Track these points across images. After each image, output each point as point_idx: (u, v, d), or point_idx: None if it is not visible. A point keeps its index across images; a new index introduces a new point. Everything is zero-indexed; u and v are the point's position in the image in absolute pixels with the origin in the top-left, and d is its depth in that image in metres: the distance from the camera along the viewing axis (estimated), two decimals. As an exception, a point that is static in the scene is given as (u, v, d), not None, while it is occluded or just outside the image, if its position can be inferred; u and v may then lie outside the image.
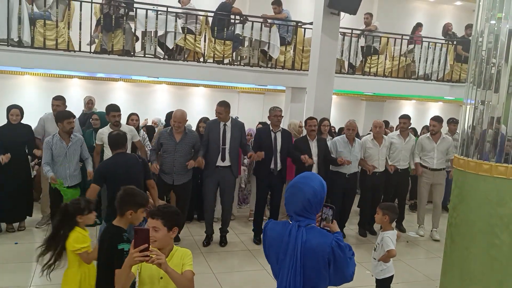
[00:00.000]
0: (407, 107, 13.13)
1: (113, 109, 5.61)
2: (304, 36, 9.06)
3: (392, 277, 4.04)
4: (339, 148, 6.20)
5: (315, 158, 5.97)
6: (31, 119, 6.23)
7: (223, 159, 5.55)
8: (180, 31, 8.18)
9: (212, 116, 6.56)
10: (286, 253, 2.27)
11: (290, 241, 2.26)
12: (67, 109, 6.14)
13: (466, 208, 4.05)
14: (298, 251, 2.23)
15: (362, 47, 9.63)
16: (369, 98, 11.93)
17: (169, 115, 6.76)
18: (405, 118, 6.78)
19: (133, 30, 8.03)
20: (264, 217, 6.20)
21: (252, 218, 6.43)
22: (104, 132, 5.48)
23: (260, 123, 7.62)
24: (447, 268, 4.29)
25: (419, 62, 9.99)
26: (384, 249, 3.95)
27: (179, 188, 5.44)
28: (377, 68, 9.71)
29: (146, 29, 8.05)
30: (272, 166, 5.83)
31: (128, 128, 5.74)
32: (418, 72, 10.05)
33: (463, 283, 4.08)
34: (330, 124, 6.85)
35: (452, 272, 4.22)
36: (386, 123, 8.51)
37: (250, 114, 10.13)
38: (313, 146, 6.03)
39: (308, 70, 7.87)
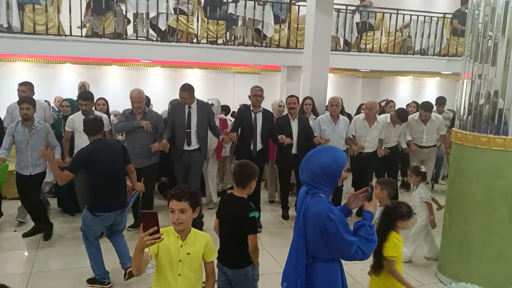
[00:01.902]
0: (404, 84, 13.11)
1: (82, 97, 5.36)
2: (298, 13, 8.98)
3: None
4: (322, 125, 6.04)
5: (295, 137, 5.87)
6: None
7: (188, 143, 5.40)
8: (172, 12, 8.08)
9: (208, 100, 6.52)
10: (298, 216, 2.49)
11: (301, 204, 2.49)
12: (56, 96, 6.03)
13: (465, 181, 4.08)
14: (301, 215, 2.43)
15: (357, 23, 9.56)
16: (365, 75, 11.89)
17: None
18: (425, 109, 6.53)
19: (124, 12, 7.92)
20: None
21: None
22: (74, 119, 5.30)
23: (241, 105, 7.45)
24: (446, 243, 4.34)
25: (415, 37, 9.93)
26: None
27: (143, 171, 5.16)
28: (372, 44, 9.64)
29: (137, 11, 7.93)
30: (251, 147, 5.81)
31: (100, 115, 5.43)
32: (414, 47, 9.99)
33: (462, 256, 4.14)
34: (313, 102, 6.66)
35: (451, 246, 4.26)
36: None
37: (246, 95, 10.07)
38: (294, 125, 5.92)
39: (303, 48, 7.81)
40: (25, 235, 5.17)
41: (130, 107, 5.31)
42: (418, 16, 9.88)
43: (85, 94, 5.42)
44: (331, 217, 2.33)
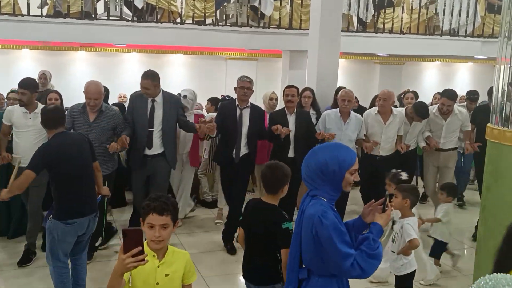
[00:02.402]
0: (430, 71, 13.14)
1: (18, 84, 5.18)
2: (302, -13, 9.01)
3: (414, 272, 4.09)
4: (328, 123, 5.91)
5: (292, 134, 5.72)
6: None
7: (149, 146, 5.27)
8: (151, -14, 8.12)
9: (196, 90, 6.47)
10: (298, 218, 2.61)
11: (300, 207, 2.60)
12: None
13: (503, 187, 4.09)
14: (298, 219, 2.57)
15: (373, -2, 9.59)
16: (384, 61, 11.92)
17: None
18: (448, 97, 6.18)
19: (93, -14, 7.96)
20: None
21: (220, 221, 6.36)
22: (13, 110, 5.16)
23: (224, 97, 7.31)
24: (481, 261, 4.35)
25: (443, 15, 9.96)
26: (405, 239, 4.00)
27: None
28: (392, 24, 9.67)
29: (109, -15, 7.98)
30: (233, 151, 5.61)
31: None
32: (442, 27, 10.01)
33: (500, 277, 4.14)
34: (313, 95, 6.62)
35: (487, 265, 4.27)
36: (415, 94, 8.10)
37: (241, 85, 10.10)
38: (291, 121, 5.79)
39: (308, 29, 7.81)
40: None
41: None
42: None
43: (22, 81, 5.17)
44: (324, 222, 2.40)
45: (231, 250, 5.61)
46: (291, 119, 5.80)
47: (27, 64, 9.72)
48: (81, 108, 5.07)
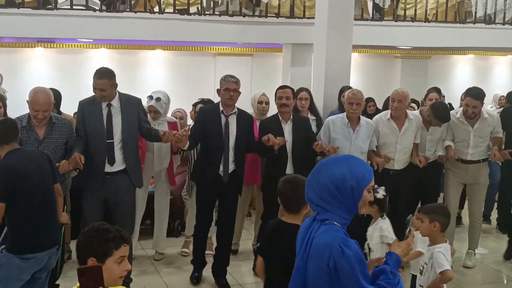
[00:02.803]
0: (462, 65, 13.19)
1: None
2: (306, -33, 9.06)
3: None
4: (334, 132, 5.87)
5: (290, 148, 5.70)
6: None
7: (111, 161, 5.23)
8: (123, -32, 8.17)
9: (177, 94, 6.49)
10: (300, 249, 2.64)
11: (306, 235, 2.61)
12: None
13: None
14: (303, 250, 2.59)
15: (392, -21, 9.65)
16: (406, 54, 11.97)
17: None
18: (473, 97, 6.06)
19: (52, -30, 8.00)
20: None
21: (186, 250, 6.37)
22: None
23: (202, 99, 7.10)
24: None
25: (477, -2, 10.03)
26: (436, 271, 4.01)
27: None
28: (415, 10, 9.71)
29: (72, -32, 8.02)
30: (220, 167, 5.57)
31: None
32: (475, 13, 10.08)
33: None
34: (311, 97, 6.64)
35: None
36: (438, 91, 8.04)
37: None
38: (287, 129, 5.76)
39: (314, 18, 7.85)
40: None
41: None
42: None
43: None
44: (346, 252, 2.40)
45: (198, 281, 5.70)
46: (287, 127, 5.78)
47: (-27, 63, 9.74)
48: (26, 123, 4.94)
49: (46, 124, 4.99)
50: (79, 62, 10.36)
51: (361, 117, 6.00)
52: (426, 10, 9.82)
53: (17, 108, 5.61)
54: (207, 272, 5.86)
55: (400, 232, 5.15)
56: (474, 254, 6.57)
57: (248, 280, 6.02)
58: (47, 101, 4.90)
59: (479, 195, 6.47)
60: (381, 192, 4.71)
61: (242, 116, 5.73)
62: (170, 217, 6.93)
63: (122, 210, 5.32)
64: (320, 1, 7.49)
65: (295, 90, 6.20)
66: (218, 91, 5.68)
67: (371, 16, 9.65)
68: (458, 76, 13.07)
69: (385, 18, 9.65)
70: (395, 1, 9.69)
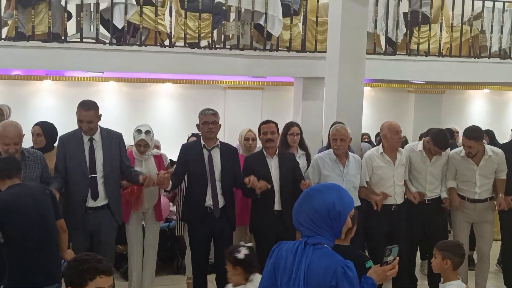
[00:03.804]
0: (477, 100, 13.15)
1: None
2: (318, 2, 9.08)
3: None
4: (324, 170, 5.87)
5: (277, 184, 5.68)
6: None
7: (94, 196, 5.26)
8: (134, 1, 8.23)
9: (187, 128, 6.48)
10: (290, 276, 2.75)
11: (295, 261, 2.75)
12: None
13: None
14: (302, 274, 2.70)
15: (405, 13, 9.65)
16: (419, 89, 11.95)
17: None
18: (469, 138, 6.08)
19: (63, 3, 8.07)
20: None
21: None
22: None
23: (193, 135, 7.10)
24: None
25: (491, 33, 10.02)
26: None
27: None
28: (429, 44, 9.70)
29: (82, 1, 8.07)
30: (209, 202, 5.55)
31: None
32: (490, 47, 10.06)
33: None
34: (301, 132, 6.60)
35: None
36: (450, 132, 8.00)
37: (243, 120, 10.11)
38: (273, 165, 5.75)
39: (325, 52, 7.86)
40: None
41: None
42: (494, 2, 10.00)
43: None
44: (348, 273, 2.64)
45: None
46: (273, 163, 5.77)
47: (-18, 96, 9.80)
48: None
49: (19, 158, 4.95)
50: (88, 96, 10.25)
51: (349, 152, 6.05)
52: (440, 45, 9.82)
53: (24, 140, 5.63)
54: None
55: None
56: None
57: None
58: (16, 133, 4.99)
59: (487, 233, 6.38)
60: (242, 252, 4.24)
61: (226, 148, 5.77)
62: (178, 254, 6.89)
63: (104, 246, 5.35)
64: (332, 35, 7.52)
65: (324, 123, 6.23)
66: (198, 126, 5.71)
67: (384, 50, 9.65)
68: (473, 111, 13.04)
69: (398, 52, 9.64)
70: (408, 36, 9.69)
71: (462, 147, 6.31)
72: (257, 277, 4.14)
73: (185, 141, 7.37)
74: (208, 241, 5.77)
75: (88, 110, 5.21)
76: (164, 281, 6.85)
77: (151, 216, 6.14)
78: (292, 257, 2.77)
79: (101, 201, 5.29)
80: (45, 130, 5.98)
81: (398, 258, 3.08)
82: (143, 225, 6.22)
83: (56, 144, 5.87)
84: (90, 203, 5.26)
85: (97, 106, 5.33)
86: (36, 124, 6.08)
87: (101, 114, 5.39)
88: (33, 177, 5.08)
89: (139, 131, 5.91)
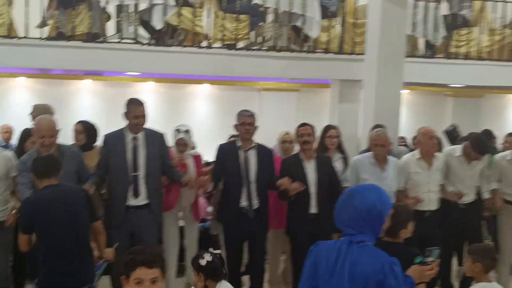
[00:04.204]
0: (517, 105, 12.94)
1: None
2: (356, 3, 9.07)
3: None
4: (362, 173, 5.85)
5: (313, 187, 5.67)
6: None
7: (136, 194, 5.31)
8: (172, 3, 8.29)
9: (221, 128, 6.54)
10: (332, 273, 2.85)
11: (338, 259, 2.86)
12: None
13: None
14: (346, 271, 2.80)
15: (445, 16, 9.56)
16: (458, 93, 11.80)
17: None
18: (475, 149, 6.13)
19: (102, 4, 8.17)
20: None
21: None
22: None
23: (233, 136, 7.08)
24: None
25: (533, 36, 9.86)
26: None
27: None
28: (468, 47, 9.59)
29: (122, 2, 8.18)
30: (244, 203, 5.59)
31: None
32: (531, 50, 9.91)
33: None
34: (339, 134, 6.57)
35: None
36: (489, 134, 7.95)
37: (277, 122, 10.10)
38: (309, 168, 5.73)
39: (363, 54, 7.84)
40: None
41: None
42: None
43: None
44: (395, 269, 2.78)
45: None
46: (310, 166, 5.76)
47: (22, 94, 9.98)
48: (33, 153, 5.01)
49: (55, 153, 5.03)
50: (126, 96, 10.44)
51: (388, 157, 6.00)
52: (479, 48, 9.69)
53: (64, 140, 5.72)
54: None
55: None
56: None
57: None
58: (50, 126, 5.07)
59: None
60: (206, 258, 4.06)
61: (262, 150, 5.79)
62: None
63: (146, 244, 5.32)
64: (371, 37, 7.49)
65: (361, 126, 6.23)
66: (235, 126, 5.78)
67: (422, 53, 9.56)
68: (512, 116, 12.82)
69: (436, 56, 9.55)
70: (447, 39, 9.59)
71: (508, 151, 6.35)
72: (223, 285, 4.12)
73: (220, 142, 7.43)
74: (242, 241, 5.82)
75: (138, 106, 5.38)
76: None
77: (189, 216, 6.19)
78: (335, 255, 2.87)
79: (142, 200, 5.34)
80: (87, 128, 6.11)
81: (438, 260, 3.26)
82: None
83: (96, 145, 6.06)
84: (132, 201, 5.31)
85: (144, 104, 5.47)
86: (79, 122, 6.21)
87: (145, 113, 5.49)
88: (69, 172, 5.09)
89: (178, 130, 6.02)
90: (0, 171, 5.25)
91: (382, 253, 2.83)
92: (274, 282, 6.52)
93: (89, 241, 4.34)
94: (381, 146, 5.84)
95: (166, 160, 5.52)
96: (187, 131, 6.02)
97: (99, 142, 5.94)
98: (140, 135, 5.39)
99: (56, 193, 4.22)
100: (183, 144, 5.98)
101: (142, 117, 5.36)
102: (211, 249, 4.11)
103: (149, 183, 5.35)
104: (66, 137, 6.02)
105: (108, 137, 5.49)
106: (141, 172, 5.32)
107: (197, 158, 6.31)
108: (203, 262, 3.99)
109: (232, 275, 5.71)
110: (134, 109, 5.35)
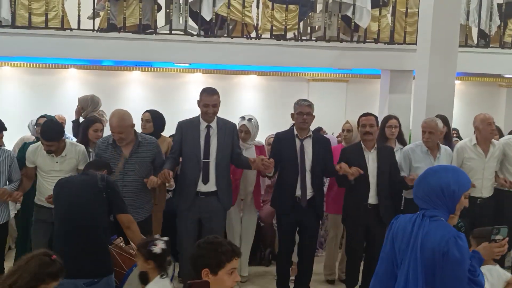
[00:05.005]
0: None
1: (44, 138, 5.34)
2: (408, -8, 8.96)
3: None
4: (415, 162, 5.98)
5: (373, 178, 5.73)
6: (14, 125, 6.49)
7: (205, 180, 5.48)
8: (222, -7, 8.34)
9: (269, 119, 6.57)
10: (407, 244, 3.12)
11: (413, 231, 3.12)
12: None
13: None
14: (419, 241, 3.07)
15: (499, 5, 9.38)
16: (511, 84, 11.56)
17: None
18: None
19: (153, -5, 8.27)
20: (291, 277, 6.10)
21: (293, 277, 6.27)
22: (37, 151, 5.46)
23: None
24: None
25: None
26: None
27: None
28: (524, 37, 9.39)
29: (172, -7, 8.27)
30: (298, 192, 5.70)
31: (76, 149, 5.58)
32: None
33: None
34: (399, 125, 6.64)
35: None
36: None
37: (327, 112, 10.05)
38: (370, 159, 5.78)
39: (415, 44, 7.74)
40: None
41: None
42: None
43: (47, 134, 5.31)
44: (459, 242, 2.97)
45: None
46: (371, 157, 5.80)
47: (74, 85, 10.15)
48: (112, 141, 5.37)
49: (131, 144, 5.36)
50: (175, 86, 10.62)
51: (441, 144, 6.09)
52: (535, 37, 9.47)
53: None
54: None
55: None
56: None
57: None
58: (118, 124, 5.28)
59: None
60: (159, 245, 3.87)
61: (318, 139, 5.92)
62: (261, 245, 6.96)
63: (213, 231, 5.41)
64: (423, 27, 7.39)
65: (412, 117, 6.52)
66: (292, 115, 5.89)
67: (476, 43, 9.40)
68: None
69: (491, 45, 9.36)
70: (502, 28, 9.38)
71: None
72: (166, 279, 3.92)
73: (269, 132, 7.47)
74: (294, 230, 5.92)
75: (213, 95, 5.54)
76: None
77: (250, 204, 6.39)
78: (411, 227, 3.14)
79: (212, 186, 5.53)
80: (154, 117, 6.36)
81: (507, 238, 3.40)
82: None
83: (162, 134, 6.39)
84: (201, 187, 5.50)
85: (218, 93, 5.60)
86: (147, 111, 6.47)
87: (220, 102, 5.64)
88: (143, 161, 5.41)
89: (242, 118, 6.31)
90: (72, 163, 5.45)
91: (450, 228, 3.04)
92: (328, 268, 6.69)
93: (106, 234, 4.38)
94: (429, 133, 5.91)
95: (235, 148, 5.68)
96: (250, 120, 6.24)
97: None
98: (213, 124, 5.57)
99: (74, 181, 4.56)
100: (245, 131, 6.22)
101: (212, 106, 5.50)
102: (157, 235, 3.98)
103: (218, 171, 5.53)
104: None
105: (182, 124, 5.72)
106: (212, 160, 5.49)
107: (261, 148, 6.49)
108: (157, 249, 3.80)
109: (283, 263, 5.94)
110: (204, 98, 5.54)
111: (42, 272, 3.14)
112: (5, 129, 5.77)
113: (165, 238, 3.93)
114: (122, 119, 5.31)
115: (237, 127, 6.12)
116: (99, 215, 4.33)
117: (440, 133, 6.19)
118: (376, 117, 5.96)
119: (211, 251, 2.73)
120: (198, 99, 5.62)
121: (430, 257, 3.02)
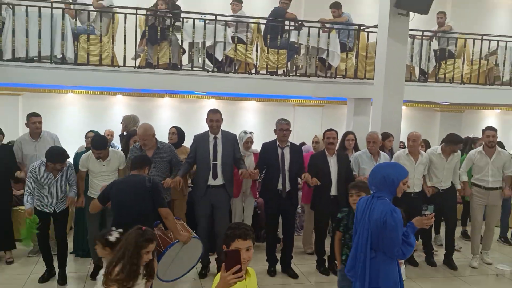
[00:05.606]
0: (490, 118, 12.59)
1: (95, 147, 5.44)
2: (367, 40, 8.97)
3: None
4: (362, 164, 6.12)
5: (334, 177, 5.85)
6: (75, 137, 6.51)
7: (214, 176, 5.61)
8: (230, 41, 8.34)
9: (265, 134, 6.62)
10: (361, 216, 3.45)
11: (366, 207, 3.43)
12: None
13: None
14: (367, 214, 3.39)
15: (435, 50, 9.40)
16: (444, 109, 11.58)
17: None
18: (493, 130, 6.46)
19: (179, 41, 8.27)
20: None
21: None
22: (89, 158, 5.49)
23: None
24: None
25: (504, 66, 9.59)
26: None
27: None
28: (453, 74, 9.41)
29: (193, 40, 8.26)
30: (279, 187, 5.78)
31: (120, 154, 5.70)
32: (502, 77, 9.63)
33: None
34: (355, 138, 6.76)
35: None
36: (469, 140, 8.30)
37: (307, 129, 10.07)
38: (332, 162, 5.90)
39: (373, 79, 7.75)
40: (42, 280, 5.45)
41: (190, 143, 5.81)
42: (506, 42, 9.56)
43: (97, 143, 5.39)
44: (393, 214, 3.28)
45: (294, 276, 5.87)
46: (332, 160, 5.93)
47: (120, 108, 10.17)
48: (139, 146, 5.58)
49: (153, 147, 5.54)
50: (195, 109, 10.61)
51: (380, 151, 6.25)
52: (462, 75, 9.49)
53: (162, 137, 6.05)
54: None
55: None
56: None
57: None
58: (143, 133, 5.48)
59: (495, 213, 6.62)
60: (114, 235, 3.63)
61: (294, 148, 5.98)
62: (257, 226, 6.95)
63: (221, 213, 5.76)
64: (379, 66, 7.42)
65: (345, 133, 6.74)
66: (275, 130, 5.96)
67: (417, 78, 9.42)
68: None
69: (428, 80, 9.39)
70: (437, 67, 9.41)
71: (478, 148, 6.65)
72: None
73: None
74: (278, 214, 6.03)
75: (216, 113, 5.69)
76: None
77: (250, 195, 6.55)
78: (365, 205, 3.47)
79: (219, 181, 5.65)
80: (178, 132, 6.59)
81: (433, 214, 3.50)
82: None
83: (184, 144, 6.57)
84: (211, 182, 5.64)
85: (220, 113, 5.74)
86: (173, 127, 6.66)
87: (222, 119, 5.78)
88: (161, 162, 5.58)
89: (245, 132, 6.50)
90: (115, 165, 5.57)
91: (389, 205, 3.33)
92: (306, 243, 6.86)
93: (149, 220, 4.32)
94: (372, 143, 6.13)
95: (236, 154, 5.77)
96: (251, 132, 6.53)
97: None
98: (219, 136, 5.68)
99: (127, 180, 4.49)
100: (251, 141, 6.48)
101: (215, 121, 5.64)
102: (113, 228, 3.76)
103: (224, 170, 5.65)
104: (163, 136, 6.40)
105: (197, 137, 5.83)
106: (219, 162, 5.62)
107: (256, 155, 6.51)
108: (112, 238, 3.60)
109: (271, 237, 6.08)
110: (210, 115, 5.69)
111: (140, 240, 3.25)
112: (2, 134, 5.98)
113: (120, 230, 3.66)
114: (146, 129, 5.49)
115: (244, 138, 6.38)
116: (146, 207, 4.32)
117: (380, 143, 6.38)
118: (336, 132, 6.08)
119: (234, 231, 2.69)
120: (206, 117, 5.74)
121: (374, 225, 3.32)
